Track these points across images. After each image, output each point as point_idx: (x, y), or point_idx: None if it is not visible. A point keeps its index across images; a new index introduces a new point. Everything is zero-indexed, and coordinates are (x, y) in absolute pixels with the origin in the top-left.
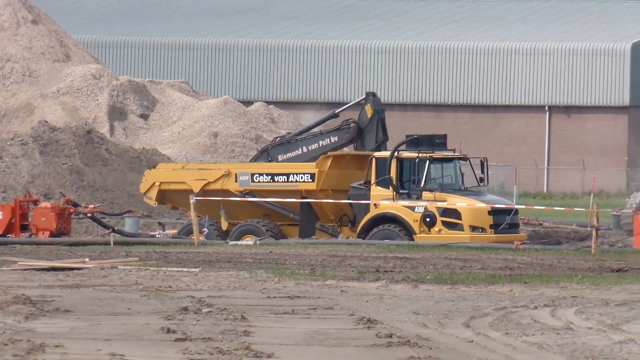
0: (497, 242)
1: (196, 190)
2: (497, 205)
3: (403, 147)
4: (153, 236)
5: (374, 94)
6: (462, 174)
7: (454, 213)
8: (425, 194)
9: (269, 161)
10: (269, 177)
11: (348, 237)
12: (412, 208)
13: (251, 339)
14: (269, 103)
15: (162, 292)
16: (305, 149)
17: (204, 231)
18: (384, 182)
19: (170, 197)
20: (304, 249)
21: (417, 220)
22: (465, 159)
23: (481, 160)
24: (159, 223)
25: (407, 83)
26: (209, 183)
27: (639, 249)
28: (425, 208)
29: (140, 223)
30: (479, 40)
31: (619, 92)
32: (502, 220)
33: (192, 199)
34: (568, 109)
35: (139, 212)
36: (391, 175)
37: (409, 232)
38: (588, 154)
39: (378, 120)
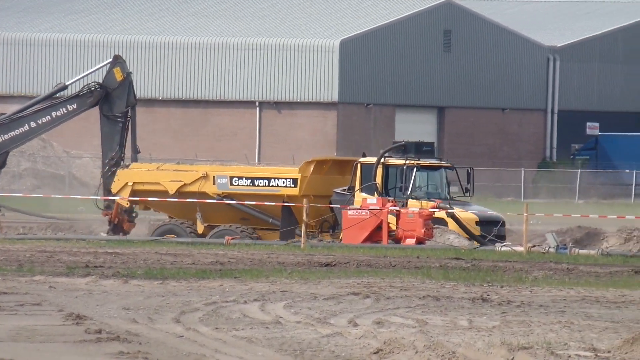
0: None
1: (172, 191)
2: (484, 216)
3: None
4: None
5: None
6: (449, 183)
7: (440, 222)
8: (410, 202)
9: None
10: (249, 180)
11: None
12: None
13: None
14: None
15: None
16: (33, 124)
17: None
18: (368, 189)
19: (143, 198)
20: (12, 244)
21: None
22: (451, 167)
23: (467, 171)
24: None
25: None
26: (185, 185)
27: (347, 243)
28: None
29: None
30: (189, 35)
31: (329, 88)
32: (490, 231)
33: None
34: (278, 105)
35: None
36: (377, 181)
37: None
38: (298, 149)
39: (130, 83)
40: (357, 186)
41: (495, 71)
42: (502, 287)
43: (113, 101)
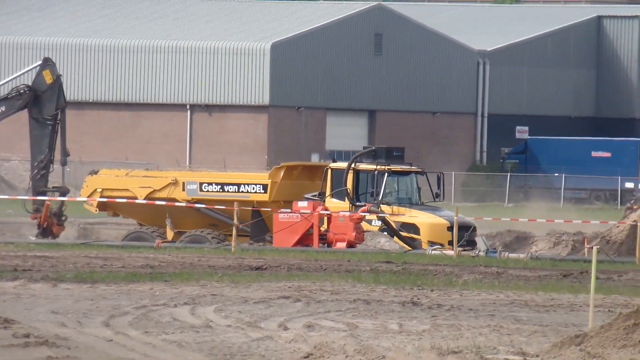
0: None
1: (141, 198)
2: (456, 221)
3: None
4: None
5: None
6: (419, 188)
7: (412, 227)
8: (382, 207)
9: None
10: (219, 186)
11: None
12: (369, 221)
13: None
14: None
15: None
16: None
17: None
18: (339, 194)
19: (112, 204)
20: None
21: None
22: (422, 172)
23: (438, 175)
24: None
25: None
26: (154, 191)
27: (278, 247)
28: (382, 222)
29: None
30: (120, 38)
31: (260, 91)
32: (461, 237)
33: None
34: (209, 108)
35: None
36: (347, 187)
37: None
38: (229, 152)
39: (60, 86)
40: (328, 192)
41: (426, 75)
42: (432, 290)
43: (43, 104)
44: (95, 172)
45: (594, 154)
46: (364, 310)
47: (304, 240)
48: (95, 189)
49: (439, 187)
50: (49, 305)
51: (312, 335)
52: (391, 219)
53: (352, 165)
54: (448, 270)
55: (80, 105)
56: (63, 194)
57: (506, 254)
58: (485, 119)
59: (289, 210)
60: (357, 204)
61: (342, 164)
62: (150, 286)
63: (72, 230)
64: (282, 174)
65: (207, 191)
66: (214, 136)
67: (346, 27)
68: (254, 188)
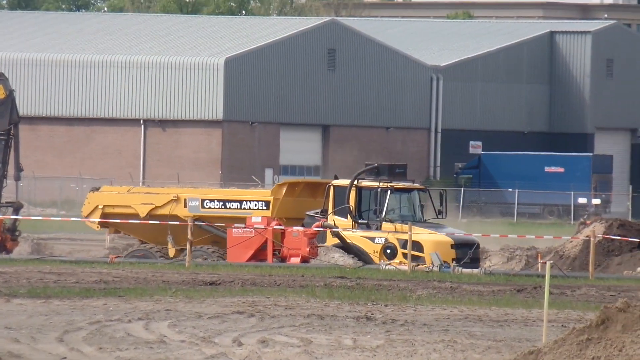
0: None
1: (142, 215)
2: (460, 239)
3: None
4: None
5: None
6: (422, 205)
7: (416, 245)
8: (385, 225)
9: None
10: (221, 203)
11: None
12: (372, 239)
13: None
14: None
15: None
16: None
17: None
18: (342, 212)
19: (113, 221)
20: None
21: (376, 252)
22: (424, 190)
23: (440, 192)
24: None
25: None
26: (156, 208)
27: (232, 262)
28: (386, 239)
29: None
30: (74, 53)
31: (213, 106)
32: (465, 254)
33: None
34: (163, 123)
35: None
36: (350, 204)
37: (367, 263)
38: (183, 167)
39: (12, 101)
40: (330, 209)
41: (379, 90)
42: (386, 305)
43: None
44: (97, 189)
45: (547, 169)
46: (318, 326)
47: (258, 255)
48: (97, 206)
49: (441, 204)
50: (2, 321)
51: (266, 352)
52: (345, 236)
53: (355, 183)
54: (402, 285)
55: (34, 120)
56: (17, 209)
57: (460, 269)
58: (439, 134)
59: (242, 226)
60: (360, 221)
61: (345, 181)
62: (104, 301)
63: (25, 246)
64: (284, 191)
65: (209, 208)
66: (167, 151)
67: (300, 42)
68: (256, 205)
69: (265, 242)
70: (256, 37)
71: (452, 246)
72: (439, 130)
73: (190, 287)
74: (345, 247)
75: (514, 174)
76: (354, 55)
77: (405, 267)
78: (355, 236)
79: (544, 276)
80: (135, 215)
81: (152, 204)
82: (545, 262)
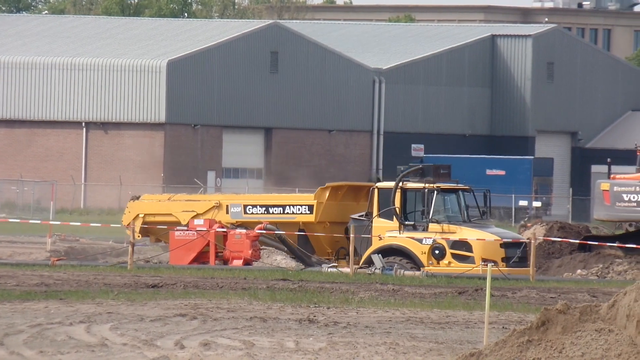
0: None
1: (184, 222)
2: (508, 237)
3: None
4: None
5: None
6: (468, 206)
7: (464, 245)
8: (431, 226)
9: None
10: (263, 208)
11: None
12: (420, 240)
13: None
14: None
15: None
16: None
17: None
18: (387, 214)
19: (154, 230)
20: None
21: (425, 253)
22: (469, 190)
23: (484, 193)
24: None
25: None
26: (198, 215)
27: (174, 264)
28: (434, 240)
29: None
30: (14, 55)
31: (156, 109)
32: (514, 254)
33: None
34: (105, 125)
35: None
36: (395, 206)
37: (416, 264)
38: (125, 170)
39: None
40: (375, 212)
41: (322, 93)
42: (328, 308)
43: None
44: (137, 198)
45: (488, 172)
46: (260, 328)
47: (201, 257)
48: (138, 215)
49: (485, 205)
50: None
51: (208, 355)
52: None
53: (400, 184)
54: (344, 287)
55: None
56: None
57: (402, 271)
58: (381, 137)
59: (185, 228)
60: (406, 223)
61: (389, 184)
62: (45, 304)
63: None
64: (327, 195)
65: (252, 213)
66: (109, 154)
67: (242, 45)
68: (299, 209)
69: (208, 244)
70: (199, 40)
71: (501, 245)
72: (382, 132)
73: (133, 290)
74: (289, 249)
75: (454, 176)
76: (296, 58)
77: (347, 270)
78: (403, 238)
79: (485, 278)
80: (177, 223)
81: (193, 211)
82: (486, 264)
